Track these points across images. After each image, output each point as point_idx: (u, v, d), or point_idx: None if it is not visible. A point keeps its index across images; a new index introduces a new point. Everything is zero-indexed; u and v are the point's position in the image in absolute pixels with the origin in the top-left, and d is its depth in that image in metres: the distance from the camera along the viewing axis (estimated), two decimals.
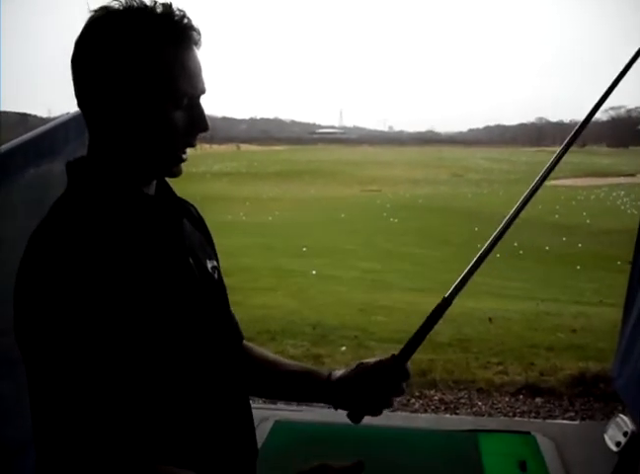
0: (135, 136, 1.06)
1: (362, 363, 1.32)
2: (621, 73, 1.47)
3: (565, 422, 3.99)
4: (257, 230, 16.93)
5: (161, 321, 1.04)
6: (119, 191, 1.08)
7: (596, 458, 3.21)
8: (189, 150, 1.12)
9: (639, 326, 3.24)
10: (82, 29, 1.04)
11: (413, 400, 4.32)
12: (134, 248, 1.05)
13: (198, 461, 1.10)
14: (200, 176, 35.67)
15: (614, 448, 3.17)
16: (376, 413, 1.30)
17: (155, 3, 1.03)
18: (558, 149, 1.46)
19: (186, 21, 1.05)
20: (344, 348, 5.40)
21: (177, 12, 1.04)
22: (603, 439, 3.27)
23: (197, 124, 1.09)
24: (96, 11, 1.04)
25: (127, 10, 1.02)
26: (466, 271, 1.32)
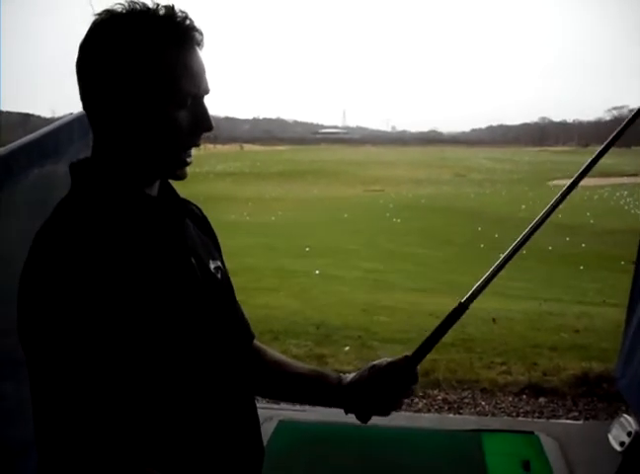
0: (140, 137, 1.06)
1: (375, 365, 1.33)
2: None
3: (568, 422, 3.98)
4: (260, 230, 16.96)
5: (163, 322, 1.04)
6: (121, 192, 1.09)
7: (599, 458, 3.21)
8: (193, 150, 1.12)
9: None
10: (86, 32, 1.05)
11: (416, 400, 4.32)
12: (137, 249, 1.05)
13: (203, 461, 1.11)
14: (203, 176, 35.75)
15: (618, 448, 3.17)
16: (386, 414, 1.31)
17: (158, 5, 1.04)
18: (577, 171, 1.44)
19: (188, 22, 1.05)
20: (347, 347, 5.40)
21: (179, 14, 1.05)
22: (607, 439, 3.27)
23: (201, 124, 1.09)
24: (99, 14, 1.05)
25: (130, 13, 1.03)
26: (484, 278, 1.33)
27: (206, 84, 1.09)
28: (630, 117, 1.50)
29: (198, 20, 1.07)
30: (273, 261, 11.74)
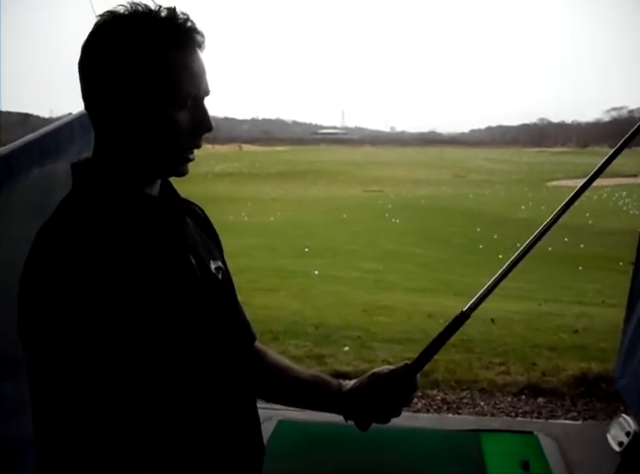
0: (140, 137, 1.07)
1: (375, 373, 1.33)
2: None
3: (567, 422, 3.99)
4: (259, 231, 16.94)
5: (162, 321, 1.04)
6: (122, 192, 1.09)
7: (598, 458, 3.22)
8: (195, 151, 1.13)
9: None
10: (89, 33, 1.06)
11: (416, 400, 4.32)
12: (136, 249, 1.05)
13: (204, 460, 1.11)
14: (202, 176, 35.69)
15: (617, 448, 3.18)
16: (385, 421, 1.32)
17: (160, 7, 1.05)
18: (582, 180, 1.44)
19: (189, 24, 1.06)
20: (346, 348, 5.40)
21: (181, 15, 1.06)
22: (606, 439, 3.28)
23: (201, 125, 1.10)
24: (102, 15, 1.06)
25: (133, 14, 1.04)
26: (485, 288, 1.33)
27: (207, 85, 1.10)
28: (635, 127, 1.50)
29: (198, 21, 1.08)
30: (272, 261, 11.73)
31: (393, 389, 1.29)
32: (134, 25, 1.04)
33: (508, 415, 4.15)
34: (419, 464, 3.27)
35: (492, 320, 6.21)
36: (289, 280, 9.66)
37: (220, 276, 1.24)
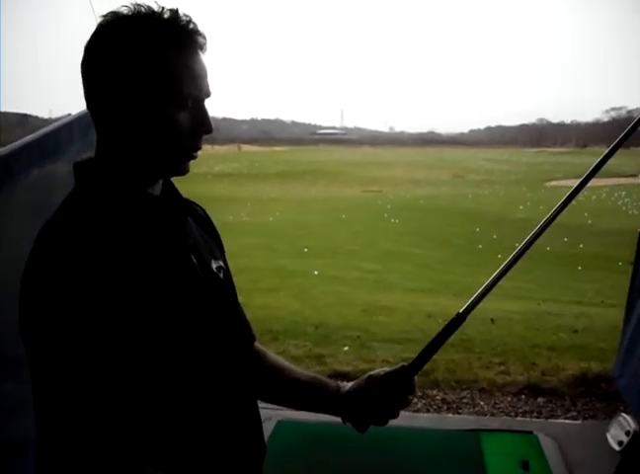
0: (141, 137, 1.07)
1: (372, 375, 1.33)
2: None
3: (567, 421, 3.99)
4: (258, 231, 16.94)
5: (163, 320, 1.04)
6: (123, 191, 1.10)
7: (598, 458, 3.22)
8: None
9: None
10: (92, 33, 1.06)
11: (415, 399, 4.33)
12: (138, 248, 1.06)
13: (205, 458, 1.11)
14: (201, 177, 35.69)
15: (617, 448, 3.18)
16: (383, 423, 1.32)
17: (162, 9, 1.06)
18: (578, 180, 1.45)
19: (191, 26, 1.07)
20: (346, 348, 5.40)
21: (183, 17, 1.06)
22: (606, 439, 3.28)
23: (201, 126, 1.10)
24: (105, 16, 1.07)
25: (135, 16, 1.05)
26: (481, 290, 1.33)
27: (208, 87, 1.11)
28: (632, 124, 1.50)
29: (197, 21, 1.08)
30: (271, 261, 11.73)
31: (390, 391, 1.29)
32: (137, 26, 1.04)
33: (507, 415, 4.15)
34: (419, 464, 3.27)
35: (491, 320, 6.22)
36: (289, 281, 9.66)
37: (222, 276, 1.25)
